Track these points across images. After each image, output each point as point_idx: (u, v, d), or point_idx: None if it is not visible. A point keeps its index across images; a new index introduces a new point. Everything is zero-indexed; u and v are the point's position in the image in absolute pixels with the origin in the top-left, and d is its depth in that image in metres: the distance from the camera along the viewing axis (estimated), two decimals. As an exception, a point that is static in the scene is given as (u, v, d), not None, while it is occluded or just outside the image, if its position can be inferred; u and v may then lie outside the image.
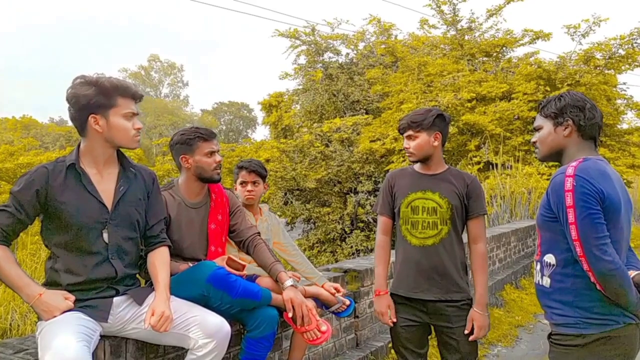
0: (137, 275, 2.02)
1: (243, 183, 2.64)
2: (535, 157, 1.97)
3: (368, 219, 12.52)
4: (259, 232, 2.43)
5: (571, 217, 1.55)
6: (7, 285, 1.75)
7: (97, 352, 1.78)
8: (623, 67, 11.31)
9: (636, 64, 11.22)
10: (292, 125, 18.03)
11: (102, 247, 1.82)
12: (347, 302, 2.58)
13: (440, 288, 2.21)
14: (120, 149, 1.92)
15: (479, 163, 10.70)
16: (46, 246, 1.87)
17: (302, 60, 16.42)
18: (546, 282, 1.70)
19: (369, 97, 15.32)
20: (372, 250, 11.84)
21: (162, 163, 12.13)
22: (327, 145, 13.40)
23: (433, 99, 11.27)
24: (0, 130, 29.26)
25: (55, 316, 1.67)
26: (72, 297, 1.74)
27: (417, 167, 2.34)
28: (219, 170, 2.28)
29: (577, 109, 1.70)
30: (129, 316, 1.86)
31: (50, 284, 1.81)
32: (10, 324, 3.98)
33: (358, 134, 13.22)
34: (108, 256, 1.82)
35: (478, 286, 2.20)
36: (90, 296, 1.79)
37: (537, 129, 1.82)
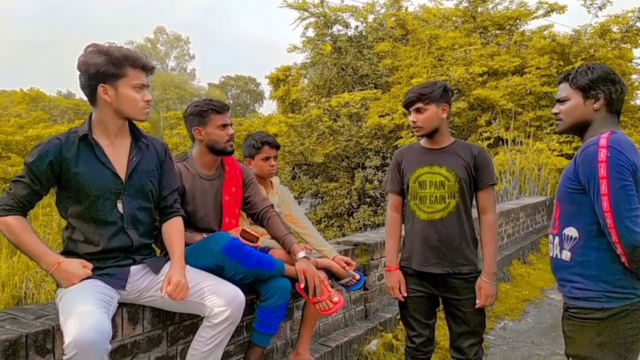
0: (153, 245, 2.05)
1: (267, 158, 2.63)
2: (555, 130, 1.93)
3: (375, 194, 12.53)
4: (272, 205, 2.43)
5: (604, 188, 1.53)
6: (26, 254, 1.77)
7: (114, 318, 1.81)
8: (640, 41, 11.04)
9: (653, 37, 10.94)
10: (300, 100, 17.88)
11: (117, 217, 1.82)
12: (357, 277, 2.60)
13: (448, 261, 2.22)
14: (130, 120, 1.91)
15: (489, 139, 10.60)
16: (62, 216, 1.88)
17: (311, 33, 16.18)
18: (566, 255, 1.68)
19: (378, 71, 15.11)
20: (379, 225, 11.90)
21: (170, 137, 12.13)
22: (335, 120, 13.31)
23: (444, 73, 11.09)
24: (8, 103, 29.33)
25: (74, 283, 1.69)
26: (90, 265, 1.76)
27: (423, 142, 2.33)
28: (231, 143, 2.28)
29: (609, 82, 1.66)
30: (146, 284, 1.88)
31: (67, 252, 1.82)
32: (25, 293, 4.07)
33: (367, 108, 13.10)
34: (123, 226, 1.83)
35: (486, 256, 2.20)
36: (108, 264, 1.80)
37: (562, 101, 1.76)
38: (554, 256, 1.75)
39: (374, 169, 12.46)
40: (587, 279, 1.62)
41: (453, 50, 11.69)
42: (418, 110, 2.25)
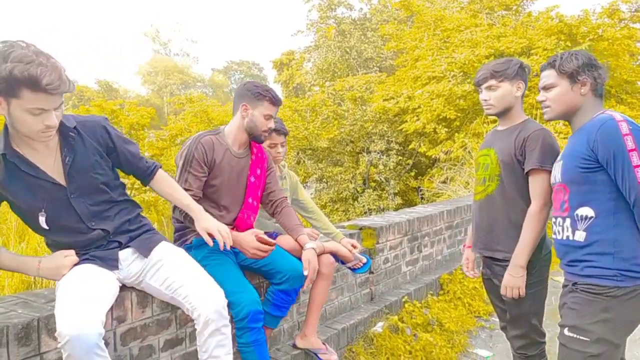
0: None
1: (273, 145, 2.62)
2: (544, 117, 1.88)
3: (380, 179, 12.51)
4: (286, 197, 2.48)
5: (636, 160, 1.52)
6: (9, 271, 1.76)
7: (124, 302, 1.84)
8: (649, 21, 10.83)
9: (664, 17, 10.74)
10: (304, 84, 17.77)
11: (76, 219, 1.72)
12: (364, 260, 2.63)
13: (484, 244, 2.22)
14: None
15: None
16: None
17: (315, 15, 16.00)
18: (580, 236, 1.67)
19: (382, 54, 14.97)
20: (384, 209, 11.91)
21: (175, 122, 12.12)
22: (339, 104, 13.23)
23: (449, 56, 10.96)
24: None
25: (64, 274, 1.66)
26: (72, 252, 1.71)
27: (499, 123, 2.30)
28: (266, 134, 2.30)
29: (593, 67, 1.72)
30: (138, 269, 1.83)
31: (52, 245, 1.79)
32: (34, 278, 4.12)
33: (371, 92, 13.00)
34: (87, 225, 1.74)
35: (517, 246, 2.05)
36: (93, 250, 1.77)
37: (548, 88, 1.78)
38: (564, 238, 1.74)
39: (378, 153, 12.42)
40: (603, 257, 1.62)
41: (459, 32, 11.52)
42: (490, 88, 2.17)
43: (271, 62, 22.18)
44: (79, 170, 1.71)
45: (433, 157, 10.90)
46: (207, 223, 1.90)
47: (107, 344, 1.78)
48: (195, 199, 2.04)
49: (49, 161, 1.67)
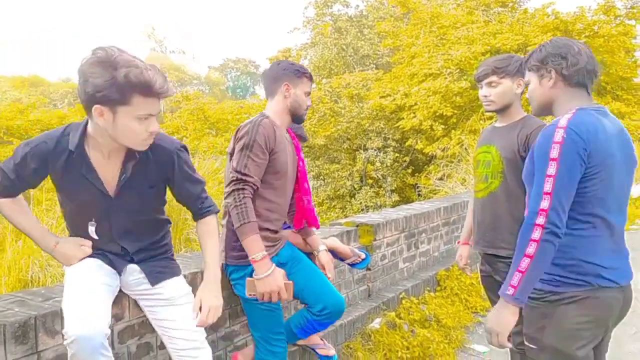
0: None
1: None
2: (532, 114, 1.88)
3: (377, 176, 12.53)
4: None
5: (551, 170, 1.47)
6: (25, 233, 1.73)
7: (122, 300, 1.83)
8: (645, 17, 10.87)
9: (659, 13, 10.77)
10: (301, 81, 17.73)
11: (107, 229, 1.70)
12: (363, 255, 2.63)
13: (487, 241, 2.21)
14: None
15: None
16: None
17: (311, 12, 15.97)
18: None
19: (379, 51, 14.97)
20: (381, 206, 11.92)
21: (171, 120, 12.10)
22: (336, 102, 13.22)
23: (446, 53, 10.97)
24: (8, 88, 29.17)
25: (73, 262, 1.67)
26: (89, 243, 1.70)
27: (497, 120, 2.30)
28: (307, 113, 2.22)
29: (558, 57, 1.58)
30: (139, 289, 1.77)
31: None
32: (31, 276, 4.11)
33: (368, 89, 13.01)
34: (113, 237, 1.72)
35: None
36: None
37: (527, 85, 1.74)
38: None
39: (375, 150, 12.43)
40: None
41: (455, 29, 11.53)
42: (491, 84, 2.16)
43: (268, 60, 22.12)
44: (132, 188, 1.66)
45: (430, 154, 10.92)
46: (201, 293, 1.75)
47: (104, 341, 1.77)
48: (253, 189, 1.94)
49: (110, 170, 1.64)
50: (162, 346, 2.00)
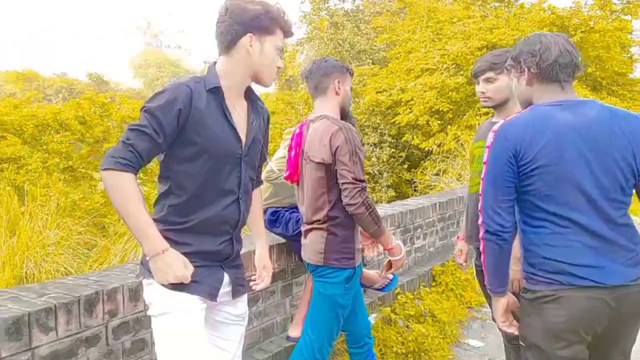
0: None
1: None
2: None
3: (374, 171, 12.51)
4: None
5: (483, 173, 1.57)
6: (129, 226, 1.44)
7: (116, 296, 1.82)
8: (640, 12, 10.87)
9: (655, 8, 10.78)
10: (297, 77, 17.69)
11: (235, 184, 1.59)
12: (391, 277, 2.61)
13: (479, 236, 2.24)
14: (253, 83, 1.67)
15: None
16: (164, 179, 1.55)
17: (307, 7, 15.89)
18: None
19: (375, 46, 14.92)
20: (377, 202, 11.93)
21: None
22: (332, 96, 13.18)
23: (442, 48, 10.96)
24: (2, 83, 28.96)
25: (167, 280, 1.43)
26: (192, 269, 1.47)
27: (493, 115, 2.30)
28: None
29: (528, 54, 1.57)
30: (219, 309, 1.64)
31: (163, 222, 1.52)
32: (26, 272, 4.10)
33: (364, 85, 12.97)
34: (239, 197, 1.60)
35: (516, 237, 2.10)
36: (206, 261, 1.55)
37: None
38: None
39: (371, 145, 12.41)
40: (523, 259, 1.61)
41: (452, 24, 11.51)
42: (488, 80, 2.16)
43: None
44: (255, 138, 1.67)
45: (426, 149, 10.91)
46: (268, 261, 1.87)
47: (98, 338, 1.78)
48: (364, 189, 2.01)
49: (238, 117, 1.61)
50: (157, 342, 2.00)
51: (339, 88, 2.14)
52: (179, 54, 50.54)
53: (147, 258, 1.44)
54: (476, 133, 2.44)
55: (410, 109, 11.16)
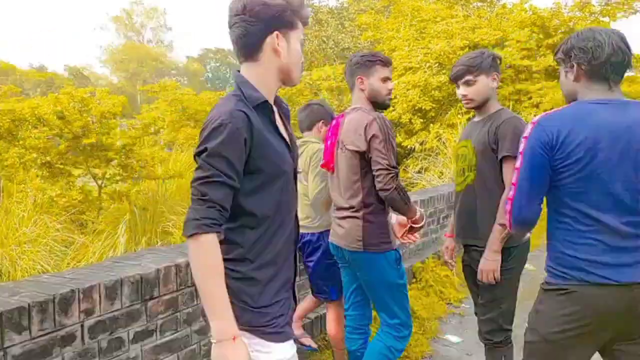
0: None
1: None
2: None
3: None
4: None
5: (518, 163, 1.57)
6: (202, 296, 1.25)
7: (92, 294, 1.79)
8: (618, 15, 11.10)
9: (631, 10, 11.01)
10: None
11: (295, 198, 1.48)
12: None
13: (466, 232, 2.29)
14: (283, 85, 1.50)
15: (468, 112, 10.66)
16: (231, 216, 1.31)
17: (291, 4, 15.85)
18: None
19: (359, 44, 14.95)
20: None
21: (148, 111, 11.86)
22: (316, 94, 13.18)
23: (425, 46, 11.04)
24: (-23, 76, 28.21)
25: None
26: None
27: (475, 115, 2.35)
28: (390, 97, 2.32)
29: (581, 50, 1.54)
30: None
31: (241, 260, 1.34)
32: (1, 270, 4.02)
33: (348, 82, 13.01)
34: (295, 210, 1.51)
35: (492, 231, 2.12)
36: (287, 291, 1.42)
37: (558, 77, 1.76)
38: None
39: (355, 143, 12.46)
40: (547, 249, 1.65)
41: (435, 23, 11.60)
42: (467, 83, 2.20)
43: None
44: (292, 149, 1.49)
45: (408, 147, 10.99)
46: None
47: (74, 337, 1.76)
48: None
49: (281, 127, 1.46)
50: (134, 340, 1.98)
51: (362, 85, 2.25)
52: (161, 49, 49.92)
53: (212, 340, 1.25)
54: (461, 133, 2.49)
55: (393, 107, 11.21)
